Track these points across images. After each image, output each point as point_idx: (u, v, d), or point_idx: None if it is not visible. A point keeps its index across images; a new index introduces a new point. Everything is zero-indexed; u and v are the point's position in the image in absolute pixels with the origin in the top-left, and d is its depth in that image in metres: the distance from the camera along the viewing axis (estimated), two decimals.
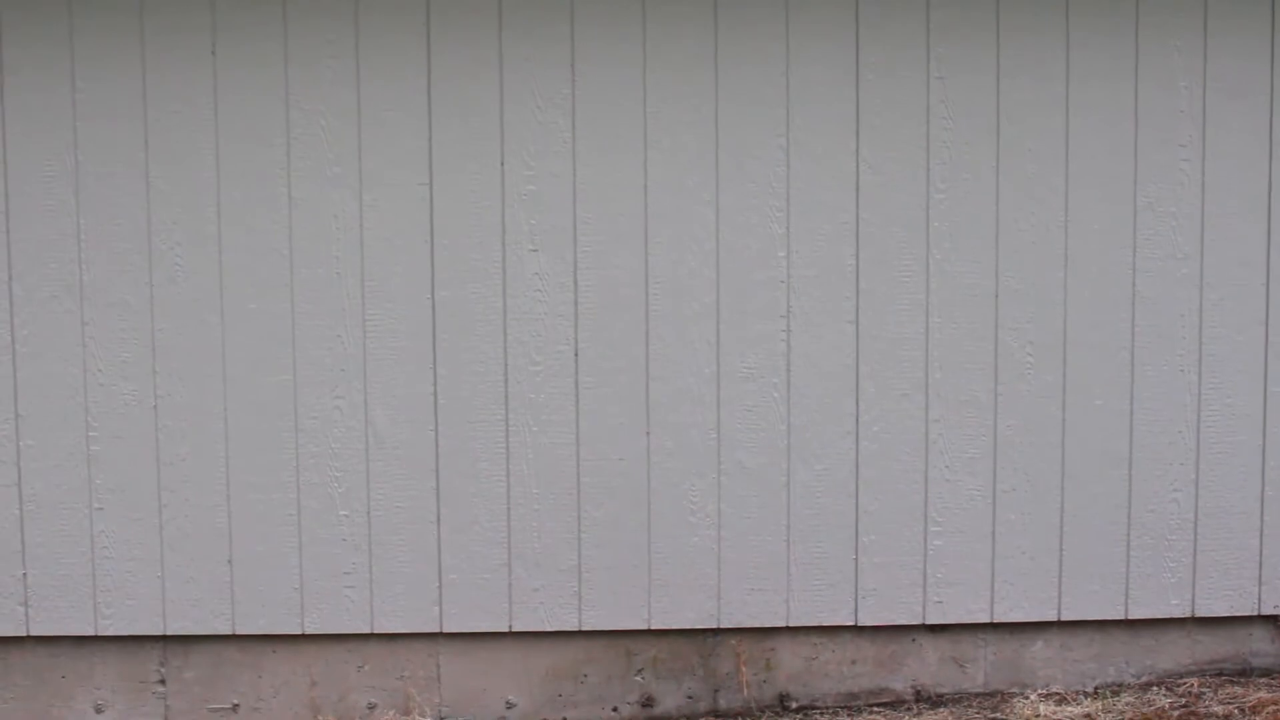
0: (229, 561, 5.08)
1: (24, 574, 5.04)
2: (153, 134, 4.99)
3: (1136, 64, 5.18)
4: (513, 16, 5.03)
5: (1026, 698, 5.24)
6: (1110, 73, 5.18)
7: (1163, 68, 5.19)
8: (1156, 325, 5.26)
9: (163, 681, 5.15)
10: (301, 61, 5.00)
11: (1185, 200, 5.24)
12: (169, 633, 5.10)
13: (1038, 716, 5.06)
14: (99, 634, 5.08)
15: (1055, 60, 5.16)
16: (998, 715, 5.07)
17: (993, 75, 5.15)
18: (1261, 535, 5.36)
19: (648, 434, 5.05)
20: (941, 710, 5.16)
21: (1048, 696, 5.27)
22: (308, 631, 5.12)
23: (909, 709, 5.19)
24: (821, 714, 5.22)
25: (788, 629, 5.25)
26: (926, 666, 5.30)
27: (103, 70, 4.98)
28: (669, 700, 5.25)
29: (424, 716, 5.11)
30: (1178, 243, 5.25)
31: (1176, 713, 5.09)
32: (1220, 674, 5.43)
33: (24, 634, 5.07)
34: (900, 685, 5.32)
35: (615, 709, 5.24)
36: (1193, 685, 5.31)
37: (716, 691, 5.26)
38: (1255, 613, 5.40)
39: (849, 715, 5.20)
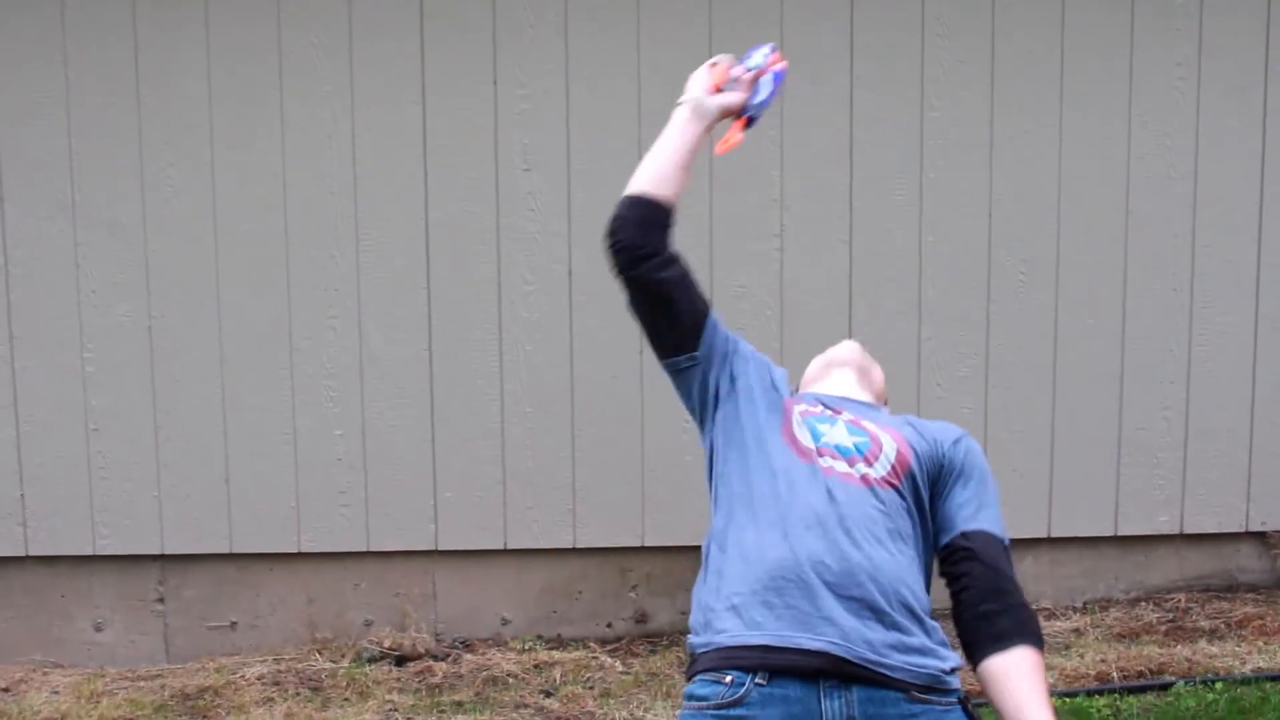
0: (225, 481, 5.10)
1: (21, 495, 5.06)
2: (143, 53, 4.96)
3: None
4: None
5: None
6: None
7: None
8: (1149, 244, 5.26)
9: (161, 600, 5.19)
10: None
11: (1181, 119, 5.23)
12: (167, 552, 5.13)
13: None
14: (97, 553, 5.11)
15: None
16: None
17: None
18: (1250, 453, 5.40)
19: (640, 352, 5.06)
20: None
21: (1038, 611, 5.29)
22: (304, 550, 5.16)
23: None
24: None
25: None
26: None
27: None
28: (663, 616, 5.29)
29: (420, 633, 5.14)
30: (1172, 161, 5.24)
31: (1164, 627, 5.15)
32: (1207, 589, 5.48)
33: (23, 554, 5.10)
34: None
35: (609, 625, 5.29)
36: (1180, 600, 5.37)
37: None
38: (1243, 529, 5.45)
39: None
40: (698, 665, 2.24)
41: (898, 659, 2.16)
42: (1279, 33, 5.22)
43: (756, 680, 2.14)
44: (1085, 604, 5.42)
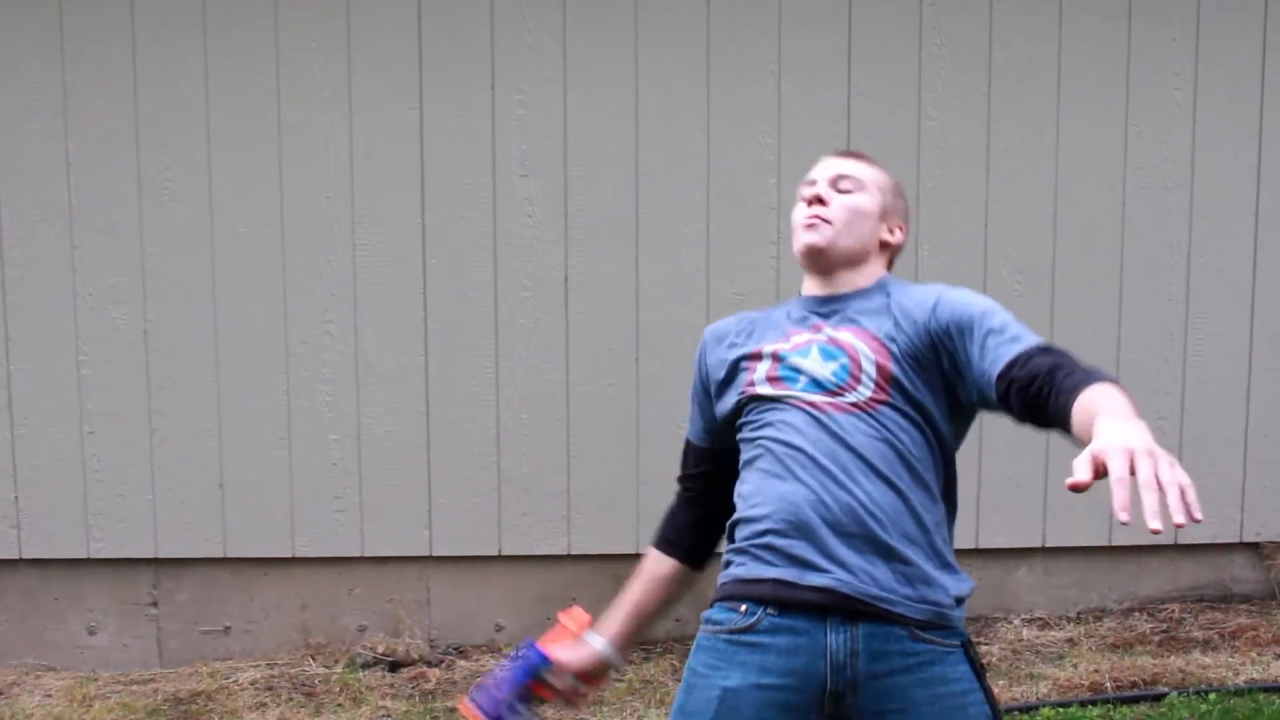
0: (220, 485, 5.10)
1: (16, 497, 5.06)
2: (141, 57, 4.96)
3: None
4: None
5: (1010, 623, 5.30)
6: (1103, 5, 5.16)
7: None
8: (1145, 254, 5.27)
9: (155, 604, 5.19)
10: None
11: (1177, 130, 5.24)
12: (161, 556, 5.13)
13: (1021, 641, 5.13)
14: (91, 557, 5.11)
15: None
16: (982, 640, 5.12)
17: (986, 2, 5.13)
18: (1245, 464, 5.40)
19: (637, 360, 5.06)
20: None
21: (1031, 621, 5.33)
22: (299, 555, 5.15)
23: None
24: None
25: None
26: None
27: None
28: (658, 624, 5.28)
29: (414, 639, 5.14)
30: (1168, 172, 5.25)
31: (1157, 638, 5.15)
32: (1201, 600, 5.49)
33: (16, 556, 5.10)
34: None
35: None
36: (1174, 611, 5.38)
37: None
38: (1237, 540, 5.45)
39: None
40: (717, 594, 2.39)
41: (900, 594, 2.26)
42: (1275, 43, 5.23)
43: (768, 611, 2.29)
44: (1079, 614, 5.42)
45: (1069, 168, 5.20)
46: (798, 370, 2.42)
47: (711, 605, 2.40)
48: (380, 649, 5.09)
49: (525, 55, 5.03)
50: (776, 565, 2.31)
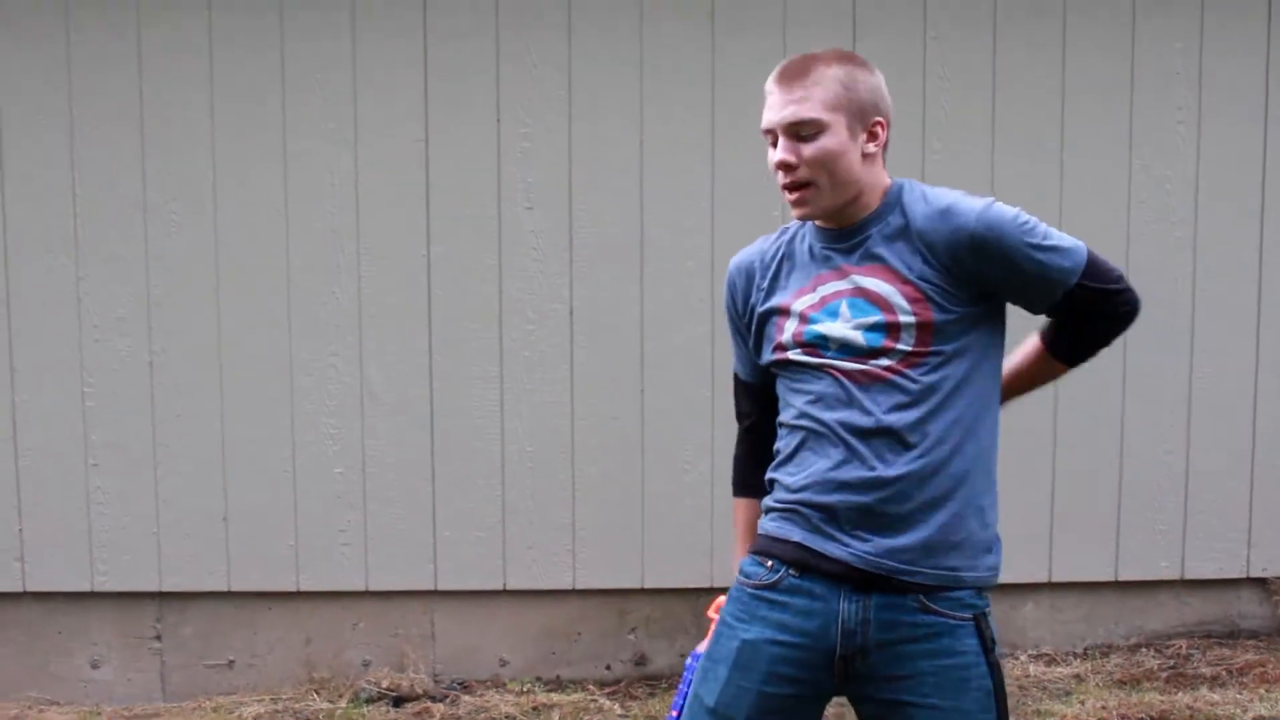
0: (224, 518, 5.09)
1: (20, 529, 5.05)
2: (147, 86, 4.98)
3: (1134, 19, 5.18)
4: None
5: (1016, 658, 5.27)
6: (1106, 38, 5.18)
7: (1160, 27, 5.18)
8: (1149, 287, 5.21)
9: (159, 637, 5.17)
10: (297, 16, 4.99)
11: (1181, 164, 5.24)
12: (165, 589, 5.11)
13: (1028, 677, 5.09)
14: (95, 590, 5.09)
15: (1052, 16, 5.16)
16: None
17: (989, 35, 5.14)
18: (1251, 498, 5.38)
19: (642, 392, 5.06)
20: None
21: (1038, 657, 5.29)
22: (303, 589, 5.14)
23: None
24: None
25: None
26: None
27: (96, 18, 4.96)
28: (661, 659, 5.27)
29: (418, 674, 5.12)
30: (1172, 205, 5.25)
31: (1165, 674, 5.12)
32: (1209, 636, 5.45)
33: (20, 589, 5.08)
34: None
35: (608, 667, 5.26)
36: (1181, 647, 5.34)
37: None
38: (1244, 575, 5.43)
39: None
40: (752, 545, 2.55)
41: (918, 564, 2.35)
42: (1279, 76, 5.24)
43: (790, 572, 2.41)
44: (1086, 649, 5.39)
45: (1072, 201, 5.20)
46: (827, 337, 2.40)
47: (748, 554, 2.54)
48: (385, 684, 5.05)
49: (530, 86, 5.04)
50: (801, 529, 2.41)
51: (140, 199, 4.99)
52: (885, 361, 2.34)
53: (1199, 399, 5.32)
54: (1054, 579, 5.34)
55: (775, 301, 2.51)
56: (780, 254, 2.57)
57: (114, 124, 4.98)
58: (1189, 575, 5.39)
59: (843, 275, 2.42)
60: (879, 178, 2.47)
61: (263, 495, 5.09)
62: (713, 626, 2.62)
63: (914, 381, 2.33)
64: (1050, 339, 2.52)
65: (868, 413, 2.34)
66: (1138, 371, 5.27)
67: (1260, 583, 5.47)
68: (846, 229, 2.45)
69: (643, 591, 5.24)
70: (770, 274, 2.56)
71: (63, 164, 4.97)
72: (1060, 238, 2.37)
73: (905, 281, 2.35)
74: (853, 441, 2.35)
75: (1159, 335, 5.25)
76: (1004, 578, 5.22)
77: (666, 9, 5.05)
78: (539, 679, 5.20)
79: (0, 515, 5.05)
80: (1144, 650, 5.35)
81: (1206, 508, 5.36)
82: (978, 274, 2.33)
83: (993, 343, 2.42)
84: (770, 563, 2.44)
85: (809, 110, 2.39)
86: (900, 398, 2.33)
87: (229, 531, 5.09)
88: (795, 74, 2.44)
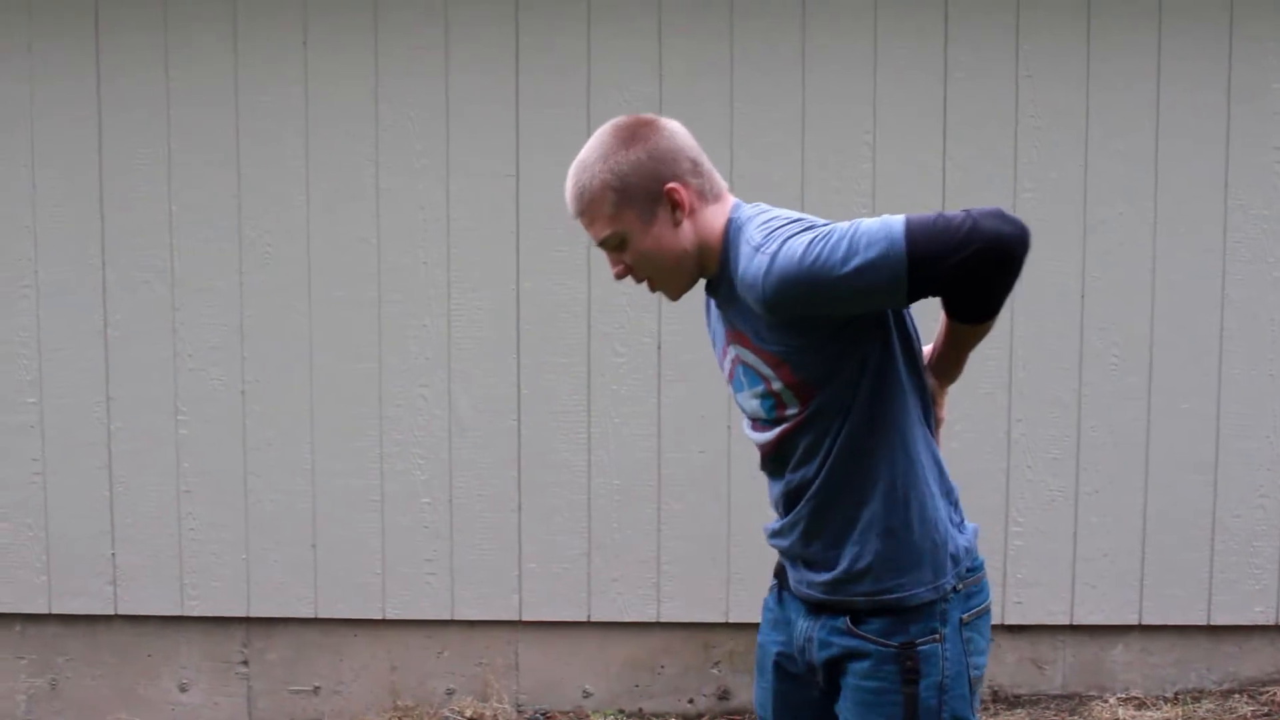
0: (313, 546, 5.14)
1: (113, 554, 5.13)
2: (243, 122, 5.06)
3: (1230, 62, 5.11)
4: (601, 13, 5.05)
5: (1105, 701, 5.20)
6: (1201, 74, 5.12)
7: (1257, 67, 5.11)
8: (1245, 329, 5.18)
9: (245, 663, 5.23)
10: (391, 53, 5.05)
11: (1279, 204, 5.16)
12: (252, 615, 5.17)
13: None
14: (185, 614, 5.17)
15: (1146, 56, 5.11)
16: (1075, 718, 5.03)
17: (1082, 72, 5.10)
18: None
19: (729, 427, 5.05)
20: (1019, 711, 5.13)
21: (1126, 700, 5.22)
22: (389, 617, 5.18)
23: (986, 709, 5.17)
24: None
25: None
26: (1004, 667, 5.27)
27: (195, 57, 5.05)
28: (744, 693, 5.25)
29: (502, 703, 5.14)
30: (1268, 246, 5.17)
31: None
32: None
33: (112, 613, 5.17)
34: None
35: (691, 700, 5.25)
36: (1276, 694, 5.25)
37: None
38: None
39: None
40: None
41: (837, 592, 2.47)
42: None
43: (780, 587, 2.72)
44: (1176, 694, 5.31)
45: (1167, 242, 5.13)
46: (744, 409, 2.55)
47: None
48: (468, 713, 5.09)
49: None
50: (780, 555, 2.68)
51: (235, 231, 5.07)
52: (785, 423, 2.43)
53: None
54: (1145, 621, 5.27)
55: (715, 351, 2.71)
56: (706, 304, 2.66)
57: (211, 158, 5.06)
58: None
59: (730, 340, 2.51)
60: (709, 229, 2.48)
61: (351, 524, 5.14)
62: None
63: (804, 434, 2.41)
64: (945, 309, 2.40)
65: (783, 459, 2.49)
66: (1231, 413, 5.19)
67: None
68: (713, 282, 2.53)
69: (727, 625, 5.23)
70: (709, 327, 2.68)
71: (161, 197, 5.06)
72: (868, 248, 2.12)
73: (760, 350, 2.40)
74: (779, 485, 2.55)
75: (1253, 380, 5.17)
76: (1093, 619, 5.18)
77: (755, 40, 5.06)
78: (622, 711, 5.21)
79: (94, 540, 5.13)
80: (1237, 696, 5.26)
81: None
82: (809, 318, 2.31)
83: (886, 355, 2.38)
84: (774, 580, 2.73)
85: (601, 229, 2.49)
86: (807, 440, 2.42)
87: (317, 559, 5.14)
88: (573, 199, 2.55)
